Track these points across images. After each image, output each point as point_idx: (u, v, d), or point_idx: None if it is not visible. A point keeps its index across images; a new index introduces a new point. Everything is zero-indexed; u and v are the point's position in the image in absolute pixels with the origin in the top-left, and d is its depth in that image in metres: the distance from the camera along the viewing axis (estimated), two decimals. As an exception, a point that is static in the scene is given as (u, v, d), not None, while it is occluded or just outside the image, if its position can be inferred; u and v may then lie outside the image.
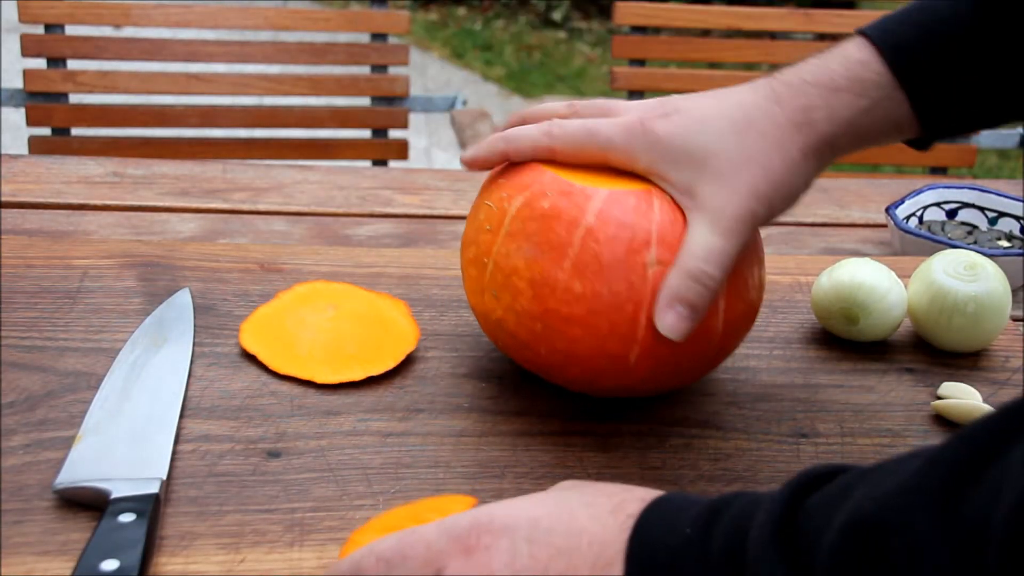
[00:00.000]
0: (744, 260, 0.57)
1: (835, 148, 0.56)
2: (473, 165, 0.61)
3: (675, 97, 0.58)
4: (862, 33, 0.57)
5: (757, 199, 0.54)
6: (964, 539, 0.32)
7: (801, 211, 1.06)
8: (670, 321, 0.53)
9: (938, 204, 1.00)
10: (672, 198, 0.56)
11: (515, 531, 0.43)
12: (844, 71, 0.55)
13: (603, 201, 0.55)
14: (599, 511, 0.44)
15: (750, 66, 1.92)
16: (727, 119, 0.55)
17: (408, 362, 0.64)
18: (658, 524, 0.42)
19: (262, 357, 0.63)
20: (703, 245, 0.53)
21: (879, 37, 0.56)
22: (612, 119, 0.57)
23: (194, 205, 0.95)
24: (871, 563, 0.35)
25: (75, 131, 1.63)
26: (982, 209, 0.99)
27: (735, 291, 0.57)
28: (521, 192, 0.57)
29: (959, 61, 0.55)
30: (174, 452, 0.54)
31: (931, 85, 0.55)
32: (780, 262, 0.82)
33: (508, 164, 0.60)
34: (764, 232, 1.01)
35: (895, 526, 0.34)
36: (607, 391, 0.60)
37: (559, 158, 0.58)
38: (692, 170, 0.55)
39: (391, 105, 1.72)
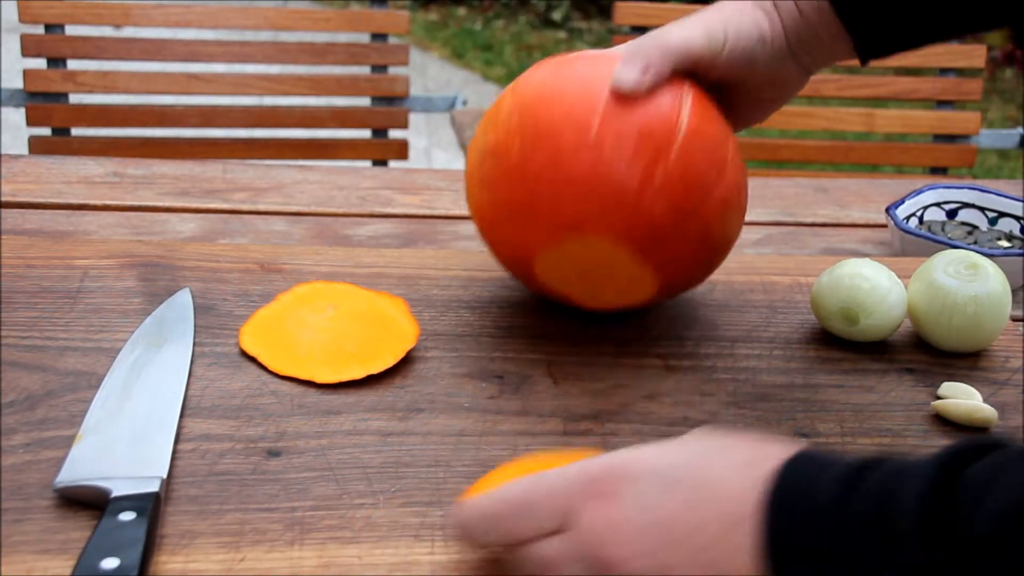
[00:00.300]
0: (709, 104, 0.64)
1: (780, 13, 0.64)
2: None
3: None
4: None
5: (711, 23, 0.63)
6: None
7: (801, 211, 1.07)
8: (622, 67, 0.61)
9: (938, 204, 1.00)
10: None
11: (649, 478, 0.42)
12: None
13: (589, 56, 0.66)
14: (736, 462, 0.43)
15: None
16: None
17: (408, 362, 0.64)
18: (800, 480, 0.41)
19: (262, 359, 0.63)
20: (661, 29, 0.63)
21: None
22: None
23: (194, 205, 0.95)
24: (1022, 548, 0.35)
25: (75, 131, 1.63)
26: (982, 209, 0.99)
27: (700, 109, 0.62)
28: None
29: None
30: (174, 451, 0.55)
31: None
32: (780, 262, 0.82)
33: None
34: (764, 232, 1.01)
35: None
36: (574, 189, 0.60)
37: None
38: None
39: (391, 105, 1.72)
